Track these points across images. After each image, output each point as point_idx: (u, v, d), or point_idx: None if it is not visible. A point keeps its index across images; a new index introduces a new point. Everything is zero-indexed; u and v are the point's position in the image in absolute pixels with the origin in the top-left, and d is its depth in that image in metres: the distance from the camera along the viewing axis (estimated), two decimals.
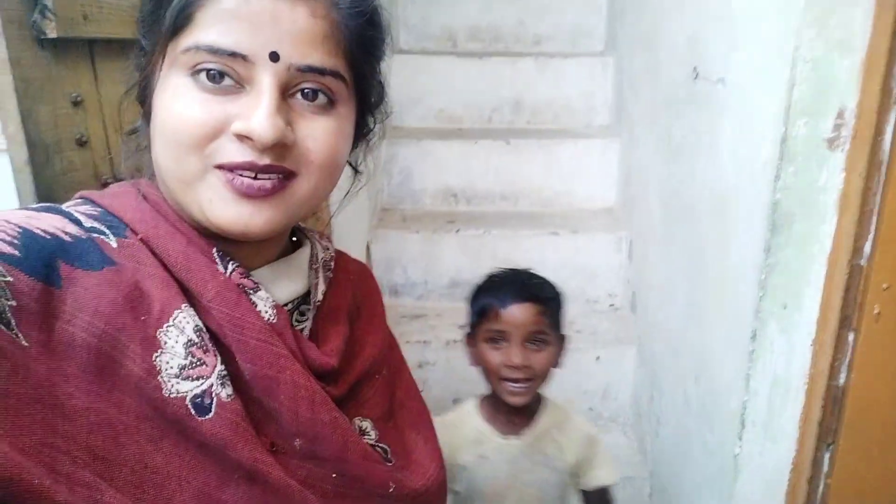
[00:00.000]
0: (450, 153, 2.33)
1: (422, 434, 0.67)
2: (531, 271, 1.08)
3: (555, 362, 1.04)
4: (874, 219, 0.96)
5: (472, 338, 1.06)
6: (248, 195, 0.49)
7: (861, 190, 0.95)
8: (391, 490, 0.58)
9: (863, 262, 0.97)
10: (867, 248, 0.97)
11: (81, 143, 0.71)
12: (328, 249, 0.65)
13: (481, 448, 1.05)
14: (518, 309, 0.99)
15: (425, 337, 1.99)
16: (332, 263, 0.65)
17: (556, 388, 1.32)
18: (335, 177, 0.55)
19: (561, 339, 1.05)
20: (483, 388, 1.10)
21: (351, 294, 0.65)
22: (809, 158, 0.96)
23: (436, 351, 1.97)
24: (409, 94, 2.40)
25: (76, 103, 0.70)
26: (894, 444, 1.03)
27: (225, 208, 0.49)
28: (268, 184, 0.49)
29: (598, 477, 1.08)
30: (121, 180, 0.59)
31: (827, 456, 1.06)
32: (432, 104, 2.48)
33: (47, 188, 0.65)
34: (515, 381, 0.99)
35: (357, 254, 1.99)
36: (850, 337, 1.00)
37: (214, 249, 0.52)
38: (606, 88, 2.40)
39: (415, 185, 2.35)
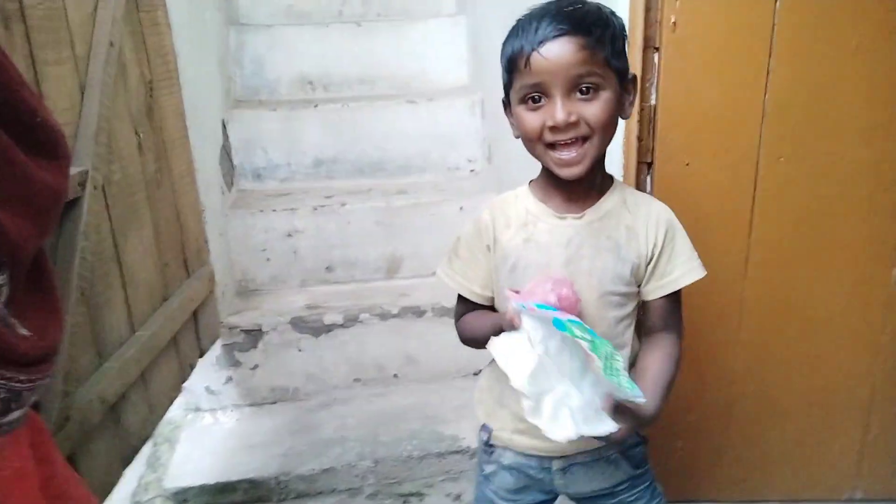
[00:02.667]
0: (302, 39, 2.32)
1: None
2: None
3: (617, 111, 0.78)
4: None
5: (508, 105, 0.84)
6: None
7: None
8: None
9: None
10: None
11: None
12: None
13: (529, 231, 0.85)
14: (552, 48, 0.73)
15: (292, 205, 1.97)
16: None
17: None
18: None
19: (623, 80, 0.78)
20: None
21: None
22: None
23: (303, 218, 1.95)
24: None
25: None
26: (697, 155, 1.18)
27: None
28: None
29: (675, 281, 0.83)
30: None
31: (647, 175, 1.20)
32: (279, 1, 2.45)
33: None
34: (564, 145, 0.76)
35: (213, 139, 1.91)
36: (655, 57, 1.14)
37: None
38: None
39: (268, 75, 2.32)
